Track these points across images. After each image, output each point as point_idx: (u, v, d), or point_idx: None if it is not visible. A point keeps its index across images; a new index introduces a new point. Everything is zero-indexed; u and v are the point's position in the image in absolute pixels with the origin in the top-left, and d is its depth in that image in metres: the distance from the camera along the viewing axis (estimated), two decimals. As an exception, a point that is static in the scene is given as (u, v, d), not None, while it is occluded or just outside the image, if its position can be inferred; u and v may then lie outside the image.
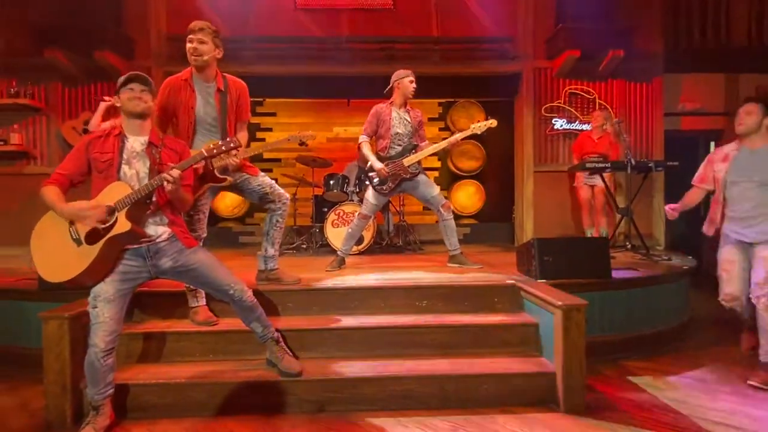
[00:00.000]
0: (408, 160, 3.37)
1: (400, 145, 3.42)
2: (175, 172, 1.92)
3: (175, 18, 5.03)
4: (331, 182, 4.85)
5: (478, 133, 3.38)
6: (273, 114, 6.52)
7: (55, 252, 1.93)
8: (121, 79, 2.01)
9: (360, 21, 5.14)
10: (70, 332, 2.14)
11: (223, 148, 2.06)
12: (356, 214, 3.58)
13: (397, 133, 3.41)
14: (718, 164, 2.80)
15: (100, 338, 1.92)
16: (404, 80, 3.40)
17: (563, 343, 2.23)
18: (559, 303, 2.28)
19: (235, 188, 2.65)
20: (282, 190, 2.72)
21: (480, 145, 6.41)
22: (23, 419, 2.22)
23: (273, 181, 2.72)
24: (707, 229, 2.91)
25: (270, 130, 6.54)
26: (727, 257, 2.74)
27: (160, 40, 5.01)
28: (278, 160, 6.52)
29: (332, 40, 5.05)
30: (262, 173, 2.72)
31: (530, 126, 5.24)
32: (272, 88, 5.37)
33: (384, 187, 3.41)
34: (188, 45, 2.44)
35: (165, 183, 1.91)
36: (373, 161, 3.38)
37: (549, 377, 2.31)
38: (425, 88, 5.37)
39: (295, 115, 6.57)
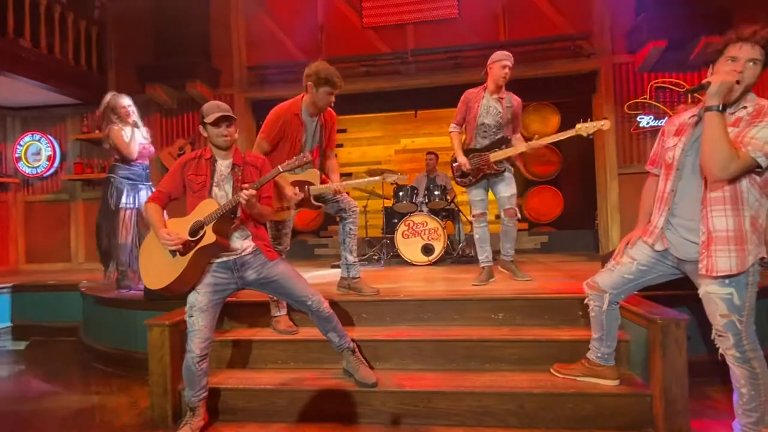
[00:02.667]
0: (495, 156, 3.07)
1: (485, 137, 3.13)
2: (247, 193, 2.03)
3: (253, 49, 5.45)
4: (401, 194, 4.89)
5: (584, 135, 2.94)
6: (344, 130, 6.76)
7: (155, 262, 2.15)
8: (209, 116, 2.13)
9: (426, 33, 5.18)
10: (171, 338, 2.36)
11: (296, 163, 2.15)
12: (471, 217, 3.33)
13: (483, 123, 3.11)
14: (670, 138, 1.86)
15: (195, 345, 2.09)
16: (496, 64, 3.03)
17: (661, 362, 2.02)
18: (655, 317, 2.07)
19: (317, 200, 2.80)
20: (351, 200, 2.83)
21: (555, 149, 6.10)
22: (133, 416, 2.48)
23: (344, 192, 2.83)
24: (646, 239, 1.95)
25: (341, 146, 6.79)
26: (633, 253, 1.98)
27: (241, 69, 5.45)
28: (349, 174, 6.72)
29: (399, 55, 5.14)
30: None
31: (612, 125, 4.89)
32: (342, 106, 5.49)
33: (465, 180, 3.21)
34: (329, 98, 2.61)
35: (242, 199, 2.04)
36: (458, 154, 3.17)
37: (644, 399, 2.10)
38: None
39: (364, 129, 6.75)
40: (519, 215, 3.24)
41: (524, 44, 4.94)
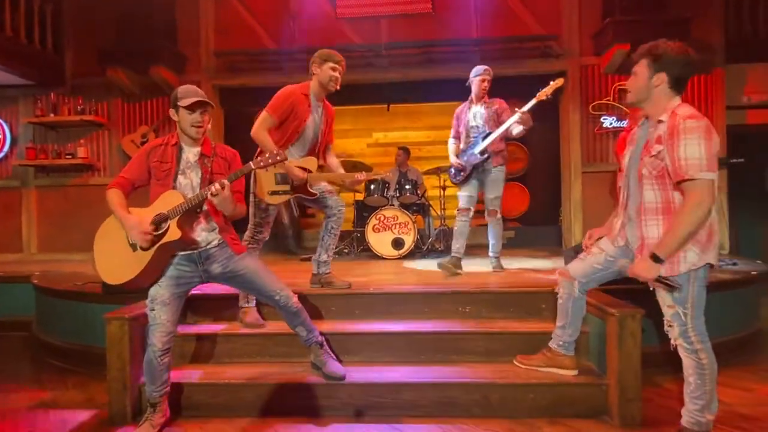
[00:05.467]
0: (477, 148, 3.42)
1: (475, 135, 3.49)
2: (216, 187, 1.94)
3: (222, 35, 5.27)
4: (372, 187, 4.89)
5: (544, 98, 3.27)
6: (315, 122, 6.67)
7: (114, 255, 2.05)
8: (185, 99, 2.03)
9: (399, 27, 5.16)
10: (130, 332, 2.28)
11: (270, 160, 2.08)
12: (456, 211, 3.57)
13: (473, 126, 3.52)
14: (628, 148, 2.00)
15: (157, 338, 2.02)
16: (475, 79, 3.52)
17: (617, 353, 2.12)
18: (612, 310, 2.17)
19: (317, 200, 2.77)
20: (338, 197, 2.80)
21: (523, 146, 6.24)
22: (89, 414, 2.37)
23: (330, 188, 2.81)
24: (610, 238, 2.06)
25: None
26: (602, 245, 2.10)
27: (208, 55, 5.26)
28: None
29: (372, 47, 5.10)
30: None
31: (577, 125, 5.04)
32: (314, 97, 5.49)
33: (458, 178, 3.53)
34: (333, 73, 2.68)
35: (211, 194, 1.96)
36: (451, 157, 3.61)
37: (601, 388, 2.20)
38: (465, 90, 5.32)
39: (336, 122, 6.66)
40: (499, 215, 3.54)
41: (496, 42, 5.02)
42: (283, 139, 2.64)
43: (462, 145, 3.58)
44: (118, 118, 5.30)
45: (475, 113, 3.54)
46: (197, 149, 2.13)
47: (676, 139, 1.71)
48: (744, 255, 4.48)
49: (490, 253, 3.62)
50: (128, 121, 5.31)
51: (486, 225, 3.61)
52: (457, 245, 3.48)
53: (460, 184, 3.55)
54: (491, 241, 3.59)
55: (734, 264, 3.45)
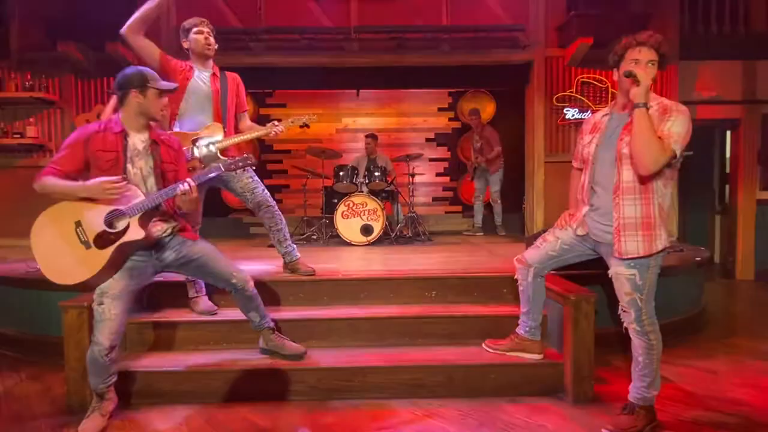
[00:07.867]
0: (475, 161, 5.68)
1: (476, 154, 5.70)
2: (186, 187, 1.90)
3: (184, 11, 5.03)
4: (341, 173, 4.87)
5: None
6: (283, 105, 6.54)
7: (61, 253, 1.89)
8: (161, 83, 2.00)
9: (369, 10, 5.09)
10: (89, 321, 2.20)
11: (240, 164, 2.08)
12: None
13: (475, 148, 5.68)
14: (586, 136, 2.04)
15: (105, 336, 1.88)
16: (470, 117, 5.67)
17: (572, 334, 2.24)
18: (568, 294, 2.28)
19: (236, 193, 2.71)
20: (266, 196, 2.70)
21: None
22: (46, 405, 2.30)
23: (258, 189, 2.68)
24: (575, 226, 2.08)
25: (279, 121, 6.55)
26: (558, 233, 2.15)
27: (169, 32, 5.02)
28: (288, 151, 6.55)
29: (341, 30, 5.02)
30: (251, 174, 2.70)
31: (541, 116, 5.17)
32: (282, 80, 5.38)
33: (468, 178, 5.91)
34: (200, 36, 2.58)
35: (179, 194, 1.90)
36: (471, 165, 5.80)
37: (557, 367, 2.32)
38: (434, 77, 5.37)
39: (304, 106, 6.56)
40: (499, 201, 5.53)
41: (465, 30, 5.04)
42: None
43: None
44: (71, 96, 4.99)
45: (475, 139, 5.66)
46: (146, 135, 2.03)
47: (668, 114, 1.81)
48: (690, 242, 4.79)
49: (496, 225, 5.64)
50: (82, 99, 5.02)
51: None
52: (475, 219, 5.76)
53: (472, 180, 5.79)
54: (496, 217, 5.60)
55: (681, 250, 3.68)
